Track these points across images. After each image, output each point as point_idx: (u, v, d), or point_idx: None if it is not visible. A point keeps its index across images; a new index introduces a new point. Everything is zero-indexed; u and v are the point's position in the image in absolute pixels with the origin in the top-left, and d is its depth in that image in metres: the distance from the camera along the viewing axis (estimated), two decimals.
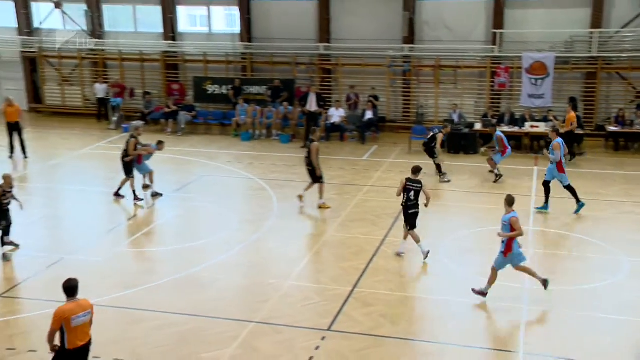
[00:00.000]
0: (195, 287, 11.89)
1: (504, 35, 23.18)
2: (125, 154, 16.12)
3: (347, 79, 24.45)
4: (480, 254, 13.27)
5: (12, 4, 26.99)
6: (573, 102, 21.81)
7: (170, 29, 25.85)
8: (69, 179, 18.56)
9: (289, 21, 24.91)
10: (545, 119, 21.49)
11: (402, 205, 13.04)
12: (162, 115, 24.44)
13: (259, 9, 25.26)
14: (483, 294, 11.26)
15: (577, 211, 15.47)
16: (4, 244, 13.14)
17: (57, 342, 8.05)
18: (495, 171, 18.15)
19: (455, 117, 22.27)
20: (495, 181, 17.99)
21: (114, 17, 26.90)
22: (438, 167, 18.33)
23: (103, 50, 26.59)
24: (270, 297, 11.45)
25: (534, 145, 21.56)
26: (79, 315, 7.97)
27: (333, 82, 25.03)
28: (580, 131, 20.96)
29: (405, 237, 13.16)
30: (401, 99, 24.60)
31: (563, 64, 22.69)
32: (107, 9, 26.76)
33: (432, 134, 18.51)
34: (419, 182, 12.97)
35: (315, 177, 15.98)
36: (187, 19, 26.86)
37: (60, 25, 27.19)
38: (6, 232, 13.19)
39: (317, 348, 9.89)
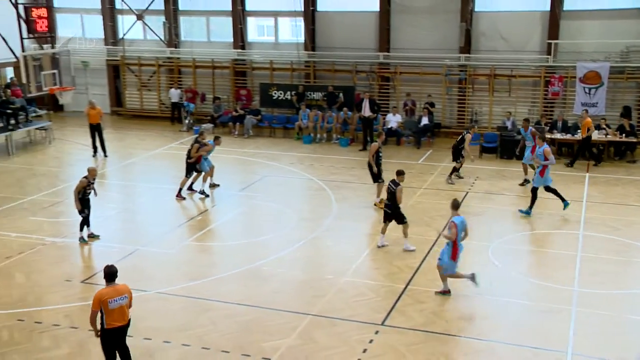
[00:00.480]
0: (257, 280, 11.97)
1: (558, 45, 22.54)
2: (189, 155, 16.43)
3: (405, 87, 24.24)
4: (529, 255, 12.94)
5: (101, 18, 27.86)
6: (627, 111, 21.05)
7: (239, 39, 26.19)
8: (143, 177, 18.99)
9: (351, 31, 24.88)
10: (598, 127, 20.79)
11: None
12: (230, 118, 24.77)
13: (322, 19, 25.33)
14: (445, 291, 11.22)
15: (524, 212, 15.26)
16: (84, 235, 13.67)
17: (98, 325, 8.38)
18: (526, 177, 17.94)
19: (509, 124, 21.78)
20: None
21: (189, 28, 27.44)
22: (454, 169, 18.02)
23: (178, 58, 27.15)
24: (327, 291, 11.43)
25: (586, 153, 20.87)
26: (115, 299, 8.28)
27: (391, 89, 24.85)
28: (633, 139, 20.38)
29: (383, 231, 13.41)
30: (456, 106, 24.23)
31: (618, 74, 21.91)
32: (183, 20, 27.31)
33: (461, 135, 18.18)
34: (396, 184, 13.11)
35: (374, 176, 15.91)
36: (255, 29, 27.14)
37: (141, 35, 27.91)
38: (86, 220, 13.69)
39: (370, 341, 9.82)
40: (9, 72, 26.57)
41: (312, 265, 12.88)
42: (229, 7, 26.11)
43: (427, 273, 12.15)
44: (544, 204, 15.68)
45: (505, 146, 20.82)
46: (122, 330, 8.48)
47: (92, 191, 13.63)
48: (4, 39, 24.49)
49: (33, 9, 24.76)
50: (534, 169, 16.82)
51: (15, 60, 24.80)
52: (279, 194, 17.11)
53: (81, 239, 13.66)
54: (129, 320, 8.55)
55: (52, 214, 15.42)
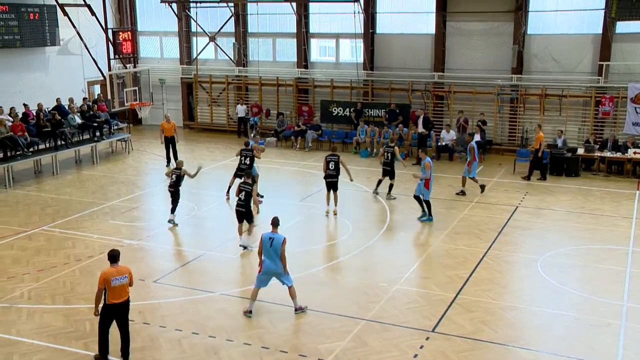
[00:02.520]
0: (314, 285, 11.96)
1: (610, 66, 21.77)
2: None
3: (458, 105, 23.89)
4: (578, 270, 12.48)
5: (177, 40, 28.64)
6: None
7: (303, 58, 26.41)
8: (212, 185, 19.29)
9: (407, 52, 24.73)
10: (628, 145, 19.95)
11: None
12: (292, 133, 24.96)
13: (381, 41, 25.27)
14: (248, 311, 10.54)
15: (422, 219, 15.38)
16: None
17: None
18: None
19: (560, 142, 21.14)
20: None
21: (256, 48, 27.78)
22: (390, 187, 17.59)
23: (246, 76, 27.57)
24: (380, 298, 11.32)
25: (637, 170, 20.08)
26: (117, 278, 8.96)
27: (445, 108, 24.54)
28: None
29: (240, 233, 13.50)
30: (507, 124, 23.71)
31: None
32: (251, 42, 27.72)
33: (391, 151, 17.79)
34: (250, 185, 13.34)
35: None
36: (318, 49, 27.31)
37: (212, 55, 28.51)
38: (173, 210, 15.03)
39: (421, 347, 9.65)
40: (97, 89, 27.61)
41: (366, 272, 12.77)
42: (294, 30, 26.40)
43: (477, 283, 11.88)
44: (596, 220, 15.11)
45: (555, 163, 20.22)
46: (122, 306, 9.06)
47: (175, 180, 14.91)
48: (94, 60, 25.48)
49: (120, 33, 25.75)
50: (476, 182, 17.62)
51: (102, 78, 25.80)
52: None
53: (170, 221, 15.06)
54: (128, 298, 9.13)
55: (129, 219, 15.86)
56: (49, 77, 24.92)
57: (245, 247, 13.49)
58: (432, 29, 24.21)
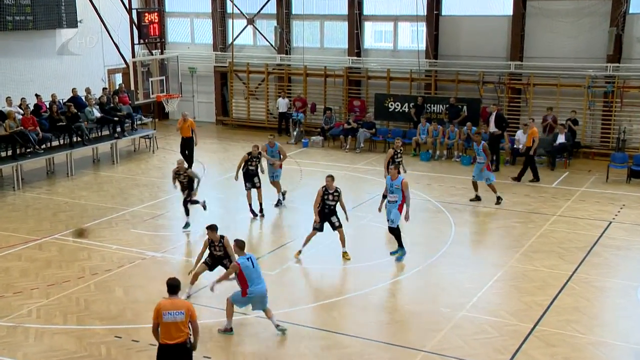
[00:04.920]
0: (363, 309, 11.90)
1: None
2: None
3: (539, 100, 23.47)
4: None
5: (210, 22, 29.09)
6: None
7: (355, 45, 26.44)
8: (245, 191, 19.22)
9: (478, 38, 24.47)
10: None
11: None
12: (341, 131, 24.98)
13: (447, 25, 25.09)
14: (228, 329, 10.88)
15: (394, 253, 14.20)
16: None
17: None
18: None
19: None
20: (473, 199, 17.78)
21: (301, 33, 28.02)
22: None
23: (289, 65, 27.79)
24: (442, 326, 11.19)
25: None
26: (170, 312, 8.50)
27: (522, 103, 24.14)
28: None
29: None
30: (599, 123, 23.15)
31: None
32: (295, 25, 27.95)
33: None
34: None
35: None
36: (372, 34, 27.31)
37: (250, 41, 28.85)
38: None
39: None
40: (118, 79, 28.26)
41: (426, 295, 12.66)
42: (345, 11, 26.46)
43: (560, 312, 11.62)
44: None
45: None
46: (174, 350, 8.54)
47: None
48: (116, 44, 26.10)
49: (146, 14, 26.26)
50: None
51: (124, 66, 26.35)
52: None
53: (204, 206, 16.24)
54: (186, 341, 8.59)
55: (153, 227, 16.16)
56: (65, 63, 25.61)
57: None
58: (508, 10, 23.89)
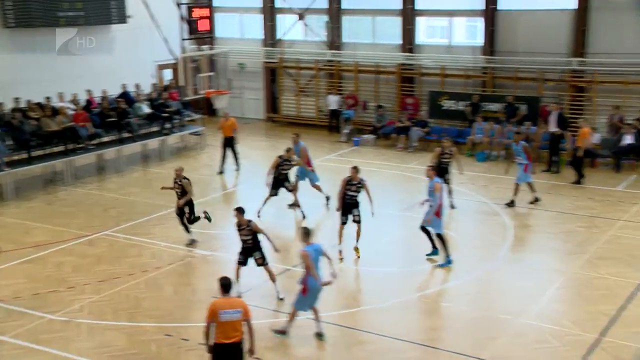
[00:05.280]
0: (417, 313, 11.84)
1: None
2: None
3: (603, 99, 22.91)
4: None
5: (261, 17, 29.27)
6: None
7: (408, 41, 26.24)
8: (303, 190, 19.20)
9: (538, 33, 24.01)
10: None
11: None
12: (393, 129, 24.84)
13: (505, 19, 24.69)
14: (283, 331, 10.82)
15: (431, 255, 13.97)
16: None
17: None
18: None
19: None
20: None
21: (352, 28, 27.95)
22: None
23: (339, 61, 27.76)
24: (501, 333, 11.02)
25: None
26: (227, 311, 8.54)
27: (585, 102, 23.61)
28: None
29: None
30: None
31: None
32: (346, 20, 27.89)
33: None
34: None
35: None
36: (426, 30, 27.06)
37: (301, 36, 28.93)
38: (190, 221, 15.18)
39: None
40: (167, 74, 28.66)
41: (483, 301, 12.50)
42: (398, 6, 26.28)
43: (628, 324, 11.33)
44: None
45: None
46: (233, 349, 8.65)
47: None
48: (165, 40, 26.45)
49: (195, 9, 26.61)
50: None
51: (174, 62, 26.72)
52: (445, 216, 16.79)
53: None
54: (241, 339, 8.70)
55: (202, 226, 16.25)
56: (115, 59, 26.07)
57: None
58: (571, 4, 23.37)
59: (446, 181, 16.64)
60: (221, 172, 21.21)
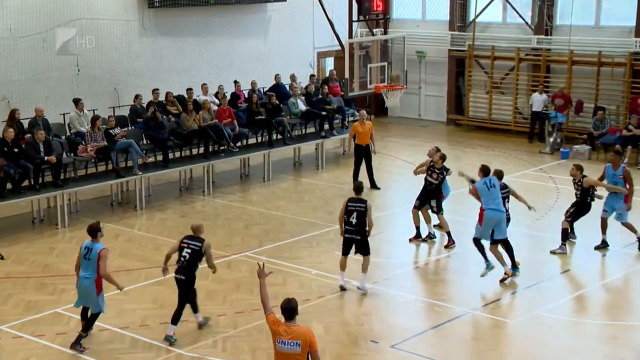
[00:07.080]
0: (544, 327, 11.93)
1: None
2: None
3: None
4: None
5: None
6: None
7: None
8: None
9: None
10: None
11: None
12: (617, 139, 23.93)
13: None
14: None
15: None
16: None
17: None
18: None
19: None
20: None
21: (568, 7, 27.11)
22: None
23: (548, 49, 27.21)
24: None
25: None
26: (284, 341, 8.74)
27: None
28: None
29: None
30: None
31: None
32: None
33: None
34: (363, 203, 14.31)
35: None
36: None
37: (499, 18, 28.64)
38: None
39: None
40: (329, 64, 29.30)
41: (616, 310, 12.80)
42: None
43: None
44: None
45: None
46: None
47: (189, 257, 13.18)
48: (330, 22, 26.80)
49: None
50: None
51: (339, 49, 27.12)
52: None
53: None
54: None
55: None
56: (268, 45, 27.06)
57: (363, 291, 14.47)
58: None
59: None
60: (375, 187, 21.35)
